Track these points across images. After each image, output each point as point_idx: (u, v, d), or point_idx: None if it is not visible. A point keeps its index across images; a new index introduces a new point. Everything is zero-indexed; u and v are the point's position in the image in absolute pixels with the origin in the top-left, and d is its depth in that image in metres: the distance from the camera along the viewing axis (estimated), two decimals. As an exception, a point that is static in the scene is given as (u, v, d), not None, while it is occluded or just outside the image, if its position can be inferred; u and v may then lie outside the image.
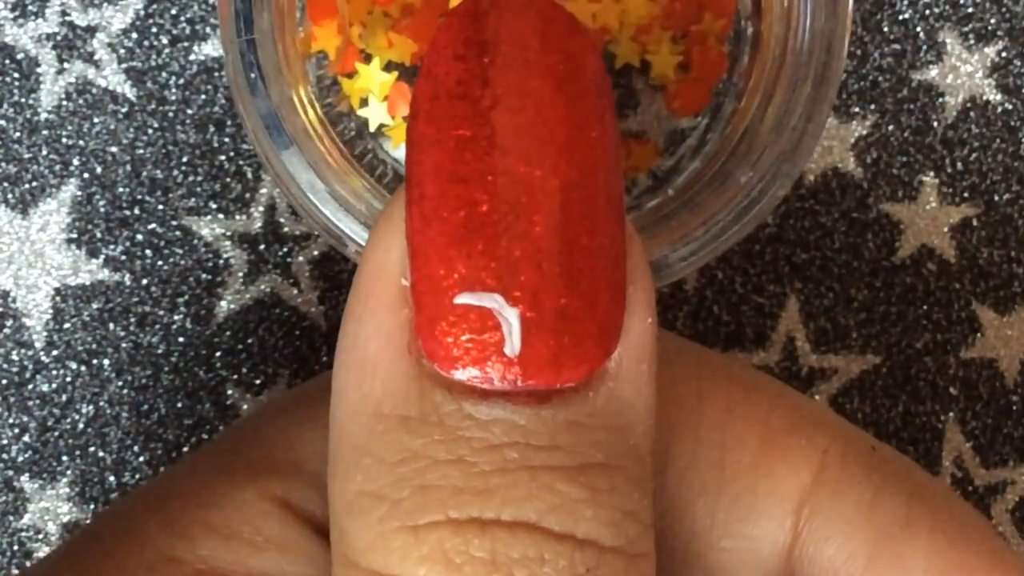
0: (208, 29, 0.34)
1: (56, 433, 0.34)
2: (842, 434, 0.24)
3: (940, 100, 0.34)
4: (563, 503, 0.19)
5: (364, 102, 0.31)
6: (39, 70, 0.34)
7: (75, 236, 0.34)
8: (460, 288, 0.19)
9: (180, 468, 0.25)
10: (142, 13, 0.34)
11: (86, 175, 0.34)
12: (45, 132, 0.34)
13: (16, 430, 0.34)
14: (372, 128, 0.32)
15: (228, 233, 0.34)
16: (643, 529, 0.20)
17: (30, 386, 0.34)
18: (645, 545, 0.20)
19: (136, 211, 0.34)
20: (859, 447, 0.24)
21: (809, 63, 0.28)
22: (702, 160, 0.31)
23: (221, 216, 0.34)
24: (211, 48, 0.34)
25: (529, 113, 0.19)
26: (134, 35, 0.34)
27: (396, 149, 0.32)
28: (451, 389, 0.19)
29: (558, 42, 0.19)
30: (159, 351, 0.34)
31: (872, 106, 0.34)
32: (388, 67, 0.31)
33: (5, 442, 0.34)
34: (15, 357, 0.34)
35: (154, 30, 0.34)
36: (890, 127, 0.34)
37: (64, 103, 0.34)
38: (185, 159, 0.34)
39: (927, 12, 0.34)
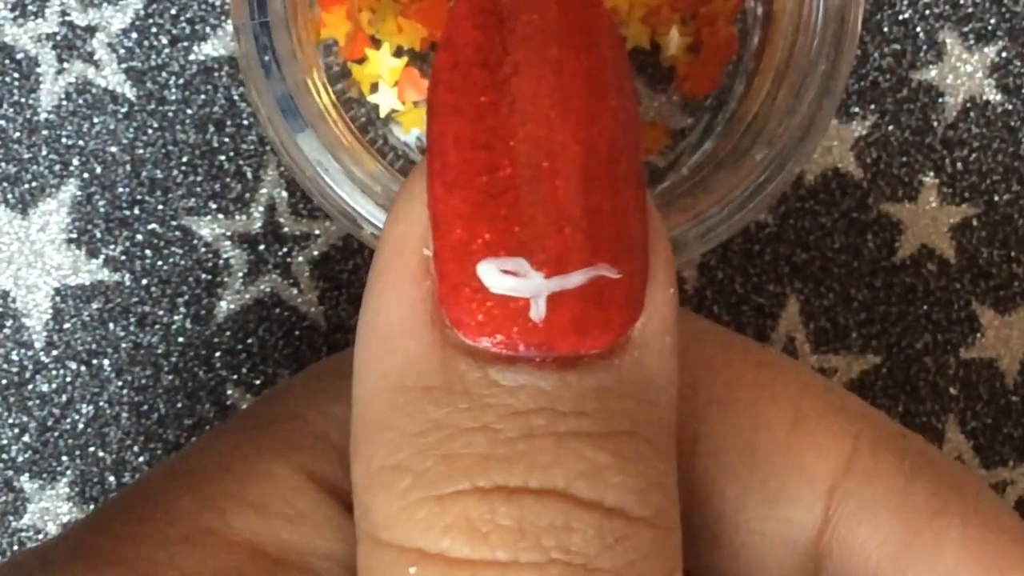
0: (208, 29, 0.34)
1: (56, 433, 0.34)
2: (873, 420, 0.24)
3: (940, 100, 0.34)
4: (591, 469, 0.19)
5: (374, 88, 0.31)
6: (39, 70, 0.34)
7: (75, 236, 0.34)
8: (484, 254, 0.19)
9: (208, 441, 0.24)
10: (142, 13, 0.34)
11: (86, 175, 0.34)
12: (45, 132, 0.34)
13: (16, 430, 0.34)
14: (382, 114, 0.32)
15: (228, 233, 0.34)
16: (670, 502, 0.19)
17: (30, 386, 0.34)
18: (671, 519, 0.19)
19: (136, 211, 0.34)
20: (890, 433, 0.24)
21: (824, 39, 0.28)
22: (715, 140, 0.31)
23: (221, 216, 0.34)
24: (211, 48, 0.34)
25: (549, 80, 0.19)
26: (134, 35, 0.34)
27: (407, 135, 0.32)
28: (476, 357, 0.19)
29: (576, 11, 0.19)
30: (159, 351, 0.34)
31: (872, 106, 0.34)
32: (398, 52, 0.31)
33: (5, 442, 0.34)
34: (15, 357, 0.34)
35: (154, 30, 0.34)
36: (890, 127, 0.34)
37: (64, 103, 0.34)
38: (185, 159, 0.34)
39: (927, 12, 0.34)
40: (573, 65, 0.19)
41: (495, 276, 0.19)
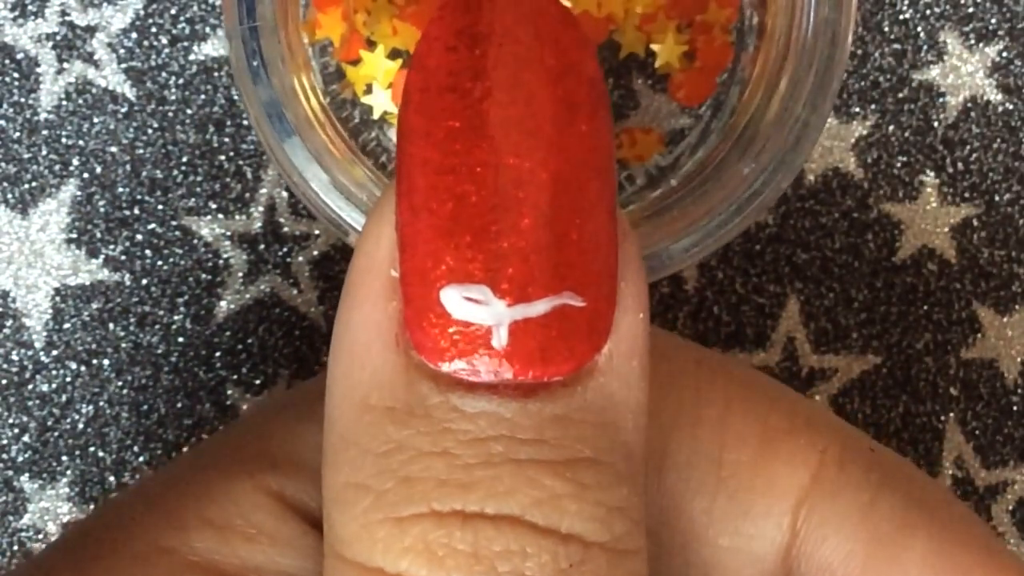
0: (208, 29, 0.34)
1: (56, 433, 0.34)
2: (841, 434, 0.24)
3: (940, 100, 0.34)
4: (547, 497, 0.19)
5: (368, 89, 0.31)
6: (39, 70, 0.34)
7: (75, 236, 0.34)
8: (448, 280, 0.19)
9: (178, 463, 0.25)
10: (142, 13, 0.34)
11: (86, 175, 0.34)
12: (45, 132, 0.34)
13: (16, 430, 0.34)
14: (376, 116, 0.32)
15: (228, 233, 0.34)
16: (631, 525, 0.19)
17: (30, 386, 0.34)
18: (633, 542, 0.19)
19: (136, 211, 0.34)
20: (858, 448, 0.24)
21: (813, 53, 0.28)
22: (705, 150, 0.31)
23: (221, 216, 0.34)
24: (211, 48, 0.34)
25: (520, 106, 0.19)
26: (134, 35, 0.34)
27: None
28: (438, 381, 0.19)
29: (551, 35, 0.19)
30: (159, 351, 0.34)
31: (872, 106, 0.34)
32: (393, 54, 0.31)
33: (5, 442, 0.34)
34: (15, 357, 0.34)
35: (154, 30, 0.34)
36: (890, 127, 0.34)
37: (64, 103, 0.34)
38: (185, 159, 0.34)
39: (928, 12, 0.34)
40: (546, 91, 0.19)
41: (458, 303, 0.19)
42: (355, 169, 0.29)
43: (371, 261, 0.19)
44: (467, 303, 0.19)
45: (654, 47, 0.32)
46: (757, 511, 0.23)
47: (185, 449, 0.34)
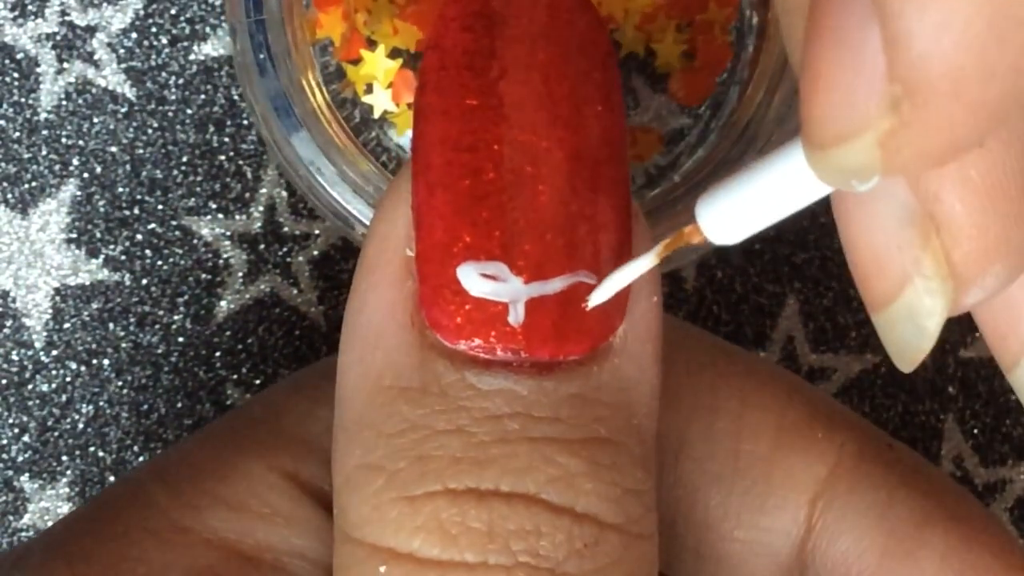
0: (208, 29, 0.34)
1: (56, 433, 0.34)
2: (859, 430, 0.24)
3: (939, 100, 0.34)
4: (563, 475, 0.19)
5: (369, 89, 0.31)
6: (39, 70, 0.34)
7: (75, 236, 0.34)
8: (464, 257, 0.19)
9: (192, 441, 0.25)
10: (142, 13, 0.34)
11: (86, 175, 0.34)
12: (45, 132, 0.34)
13: (16, 430, 0.34)
14: (376, 115, 0.32)
15: (228, 233, 0.34)
16: (645, 510, 0.19)
17: (30, 386, 0.34)
18: (647, 526, 0.19)
19: (136, 211, 0.34)
20: (876, 443, 0.24)
21: None
22: (707, 148, 0.31)
23: (221, 216, 0.34)
24: (211, 48, 0.34)
25: (536, 85, 0.19)
26: (134, 35, 0.34)
27: (401, 136, 0.32)
28: (453, 359, 0.19)
29: (566, 16, 0.19)
30: (159, 351, 0.34)
31: (871, 106, 0.34)
32: (393, 54, 0.31)
33: (5, 442, 0.34)
34: (15, 357, 0.34)
35: (154, 30, 0.34)
36: (889, 127, 0.34)
37: (64, 103, 0.34)
38: (185, 159, 0.34)
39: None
40: (561, 71, 0.19)
41: (474, 280, 0.19)
42: (361, 163, 0.29)
43: (386, 241, 0.19)
44: (484, 280, 0.19)
45: (654, 47, 0.32)
46: (773, 504, 0.23)
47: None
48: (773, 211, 0.18)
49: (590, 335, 0.19)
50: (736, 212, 0.18)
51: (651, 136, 0.33)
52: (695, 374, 0.24)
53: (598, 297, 0.19)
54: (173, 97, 0.34)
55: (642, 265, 0.19)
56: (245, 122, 0.34)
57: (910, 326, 0.19)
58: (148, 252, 0.34)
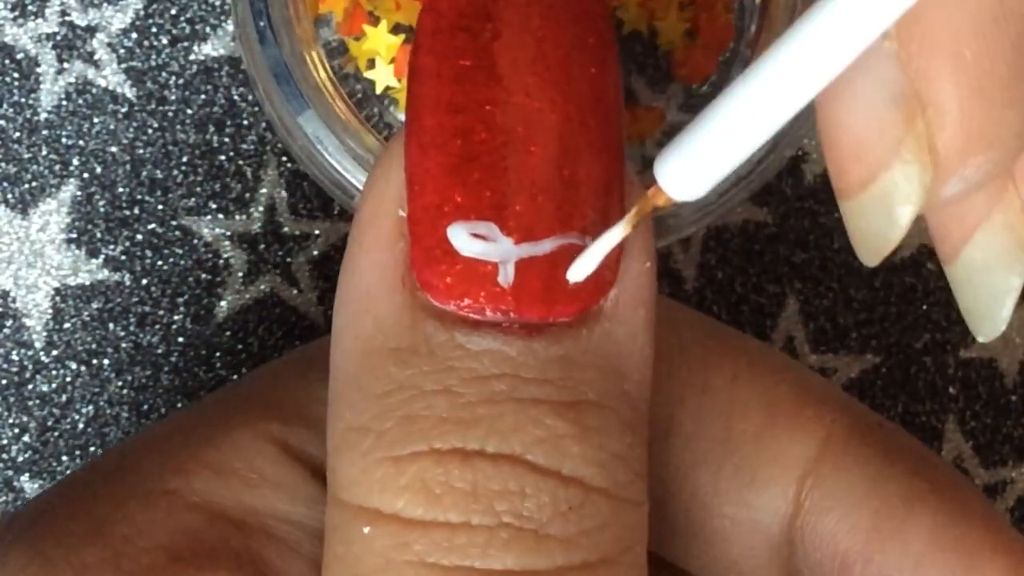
0: (208, 29, 0.34)
1: (56, 433, 0.34)
2: (849, 408, 0.24)
3: (940, 100, 0.34)
4: (549, 437, 0.19)
5: (371, 64, 0.31)
6: (39, 70, 0.34)
7: (75, 236, 0.34)
8: (455, 216, 0.19)
9: (185, 412, 0.25)
10: (142, 13, 0.34)
11: (86, 175, 0.34)
12: (45, 132, 0.34)
13: (16, 430, 0.34)
14: (379, 90, 0.32)
15: (228, 233, 0.34)
16: (633, 476, 0.19)
17: (30, 386, 0.34)
18: (635, 492, 0.19)
19: (136, 211, 0.34)
20: (866, 422, 0.24)
21: None
22: None
23: (221, 216, 0.34)
24: (211, 48, 0.34)
25: (530, 47, 0.19)
26: (134, 35, 0.34)
27: (403, 112, 0.32)
28: (443, 320, 0.19)
29: None
30: (159, 351, 0.34)
31: (872, 106, 0.34)
32: (395, 29, 0.31)
33: (5, 442, 0.34)
34: (15, 357, 0.34)
35: (154, 30, 0.34)
36: (890, 127, 0.34)
37: (64, 103, 0.34)
38: (185, 159, 0.34)
39: (927, 12, 0.34)
40: (555, 33, 0.19)
41: (465, 239, 0.19)
42: (366, 136, 0.29)
43: (379, 203, 0.19)
44: (474, 240, 0.19)
45: (656, 25, 0.32)
46: (762, 481, 0.23)
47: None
48: (728, 156, 0.18)
49: (580, 298, 0.19)
50: (693, 164, 0.18)
51: (653, 113, 0.33)
52: (685, 352, 0.24)
53: (577, 272, 0.19)
54: (173, 97, 0.34)
55: (614, 236, 0.19)
56: (245, 122, 0.34)
57: (881, 214, 0.19)
58: (148, 252, 0.34)
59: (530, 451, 0.19)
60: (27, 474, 0.34)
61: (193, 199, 0.34)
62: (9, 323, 0.34)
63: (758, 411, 0.24)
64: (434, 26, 0.19)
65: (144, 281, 0.34)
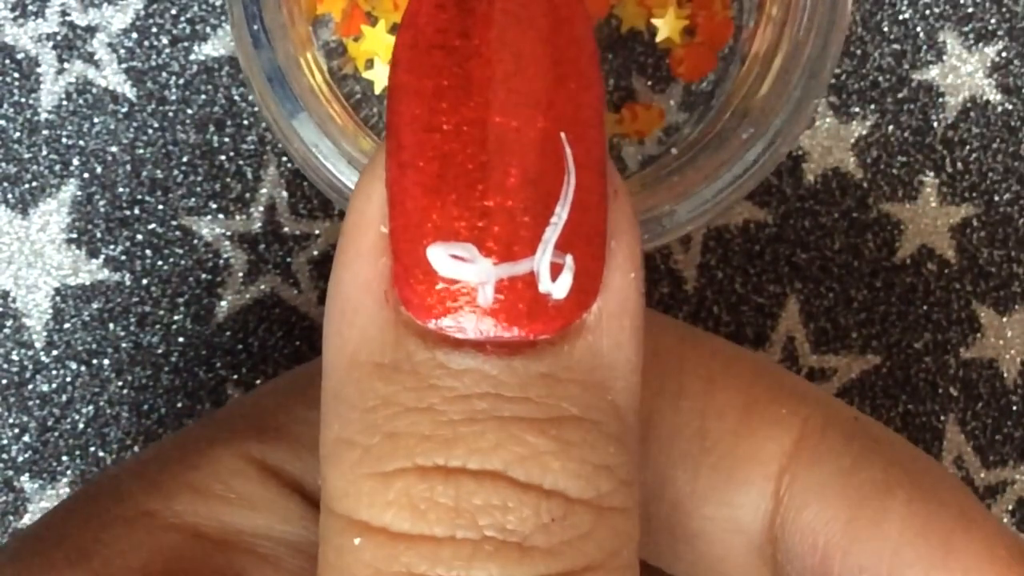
0: (208, 29, 0.34)
1: (56, 433, 0.34)
2: (824, 404, 0.24)
3: (940, 100, 0.34)
4: (530, 454, 0.19)
5: (370, 64, 0.31)
6: (39, 70, 0.34)
7: (75, 236, 0.34)
8: (434, 237, 0.19)
9: (169, 438, 0.25)
10: (142, 13, 0.34)
11: (86, 175, 0.34)
12: (45, 132, 0.34)
13: (16, 430, 0.34)
14: (378, 91, 0.32)
15: (228, 233, 0.34)
16: (618, 484, 0.19)
17: (30, 386, 0.34)
18: (620, 500, 0.19)
19: (136, 211, 0.34)
20: (840, 416, 0.24)
21: (812, 22, 0.28)
22: (707, 121, 0.31)
23: (221, 216, 0.34)
24: (211, 48, 0.34)
25: (508, 65, 0.19)
26: (134, 35, 0.34)
27: None
28: (425, 338, 0.19)
29: None
30: (159, 351, 0.34)
31: (872, 106, 0.34)
32: (394, 29, 0.31)
33: (5, 442, 0.34)
34: (15, 357, 0.34)
35: (154, 30, 0.34)
36: (890, 127, 0.34)
37: (64, 103, 0.34)
38: (185, 159, 0.34)
39: (927, 12, 0.34)
40: (534, 50, 0.19)
41: (444, 260, 0.19)
42: (362, 140, 0.29)
43: (362, 217, 0.19)
44: (453, 260, 0.19)
45: (655, 22, 0.32)
46: (740, 480, 0.24)
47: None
48: None
49: (560, 315, 0.19)
50: None
51: (653, 111, 0.33)
52: (661, 356, 0.24)
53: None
54: (173, 97, 0.34)
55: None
56: (245, 122, 0.34)
57: None
58: (148, 252, 0.34)
59: (511, 468, 0.19)
60: (27, 474, 0.34)
61: (193, 199, 0.34)
62: (9, 323, 0.34)
63: (734, 411, 0.24)
64: (412, 42, 0.19)
65: (144, 281, 0.34)
